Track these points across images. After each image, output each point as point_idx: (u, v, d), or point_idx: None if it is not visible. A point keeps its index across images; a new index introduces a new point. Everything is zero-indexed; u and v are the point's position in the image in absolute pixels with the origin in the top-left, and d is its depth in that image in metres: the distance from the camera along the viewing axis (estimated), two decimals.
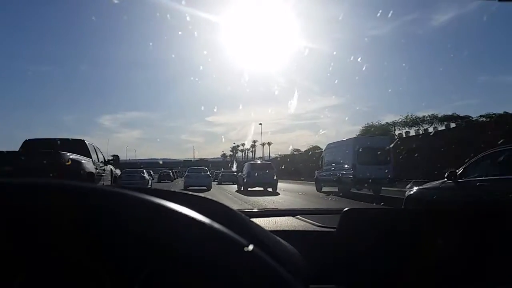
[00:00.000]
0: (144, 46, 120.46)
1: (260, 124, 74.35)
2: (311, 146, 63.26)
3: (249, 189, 20.46)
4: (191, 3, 62.04)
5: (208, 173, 26.02)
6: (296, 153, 66.45)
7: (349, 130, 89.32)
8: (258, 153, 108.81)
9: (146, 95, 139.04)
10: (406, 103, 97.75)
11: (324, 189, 20.48)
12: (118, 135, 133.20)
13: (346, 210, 1.10)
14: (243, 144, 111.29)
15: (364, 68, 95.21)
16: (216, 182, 40.87)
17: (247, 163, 23.04)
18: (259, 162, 23.69)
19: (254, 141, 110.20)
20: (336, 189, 18.96)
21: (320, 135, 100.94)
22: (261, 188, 20.65)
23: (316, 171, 22.25)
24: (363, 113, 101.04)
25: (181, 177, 50.96)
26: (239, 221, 0.80)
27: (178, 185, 29.61)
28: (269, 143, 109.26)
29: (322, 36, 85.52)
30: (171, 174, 47.13)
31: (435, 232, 1.06)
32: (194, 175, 25.42)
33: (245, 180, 20.70)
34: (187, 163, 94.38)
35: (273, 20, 57.70)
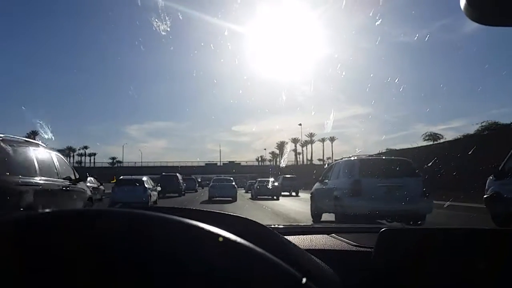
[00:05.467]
0: (171, 57, 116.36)
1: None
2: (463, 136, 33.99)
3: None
4: (217, 15, 58.43)
5: (234, 183, 24.84)
6: (405, 147, 37.13)
7: (377, 140, 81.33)
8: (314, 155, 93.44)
9: (172, 105, 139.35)
10: (436, 112, 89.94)
11: None
12: (144, 144, 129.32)
13: (384, 230, 1.04)
14: (295, 140, 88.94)
15: (391, 76, 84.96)
16: (250, 196, 29.78)
17: (346, 160, 10.04)
18: (379, 158, 11.40)
19: (311, 134, 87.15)
20: None
21: (347, 145, 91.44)
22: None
23: (492, 180, 9.61)
24: (391, 123, 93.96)
25: (193, 190, 37.94)
26: (273, 240, 0.80)
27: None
28: (331, 138, 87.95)
29: (349, 45, 78.27)
30: (137, 186, 17.11)
31: (480, 254, 0.99)
32: (219, 186, 24.08)
33: (345, 202, 8.58)
34: (210, 168, 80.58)
35: (299, 29, 52.30)
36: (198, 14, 48.69)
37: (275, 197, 26.48)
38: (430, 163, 8.43)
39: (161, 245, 0.45)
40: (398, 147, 41.41)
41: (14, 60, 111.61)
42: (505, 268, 0.96)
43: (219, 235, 0.47)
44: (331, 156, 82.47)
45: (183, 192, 30.63)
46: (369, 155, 10.48)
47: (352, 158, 9.49)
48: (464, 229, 1.29)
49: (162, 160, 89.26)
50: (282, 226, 1.68)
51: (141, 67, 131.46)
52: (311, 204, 11.33)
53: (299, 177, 35.30)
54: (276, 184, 28.20)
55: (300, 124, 61.63)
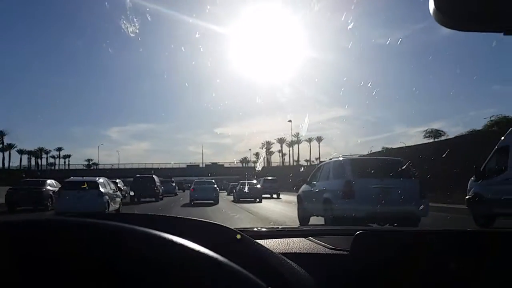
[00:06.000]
0: (152, 59, 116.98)
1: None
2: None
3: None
4: (199, 15, 58.98)
5: (215, 186, 23.99)
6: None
7: (358, 141, 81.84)
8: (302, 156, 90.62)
9: (154, 107, 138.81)
10: (416, 113, 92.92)
11: None
12: (126, 147, 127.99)
13: (359, 233, 1.06)
14: (281, 140, 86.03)
15: (372, 78, 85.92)
16: (232, 198, 29.14)
17: (336, 160, 9.15)
18: (372, 158, 10.72)
19: (297, 134, 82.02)
20: None
21: (329, 147, 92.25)
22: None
23: (473, 181, 9.59)
24: (371, 124, 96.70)
25: (172, 194, 34.30)
26: (244, 245, 0.78)
27: None
28: (319, 138, 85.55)
29: (329, 46, 78.77)
30: (90, 190, 13.72)
31: (454, 255, 1.01)
32: (200, 188, 23.41)
33: (335, 204, 7.89)
34: (192, 170, 74.76)
35: (280, 31, 54.12)
36: (179, 15, 48.03)
37: (257, 200, 25.95)
38: (404, 166, 7.84)
39: (106, 255, 0.43)
40: (379, 148, 40.86)
41: None
42: (486, 270, 0.96)
43: (176, 243, 0.44)
44: (318, 156, 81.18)
45: (160, 196, 26.99)
46: (361, 155, 10.02)
47: (342, 158, 8.88)
48: (440, 230, 1.30)
49: (143, 162, 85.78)
50: (257, 230, 1.64)
51: (122, 70, 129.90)
52: (298, 207, 10.76)
53: (282, 178, 34.73)
54: (258, 186, 27.65)
55: (290, 121, 56.25)
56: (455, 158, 17.05)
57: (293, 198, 28.34)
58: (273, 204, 22.86)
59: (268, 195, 30.97)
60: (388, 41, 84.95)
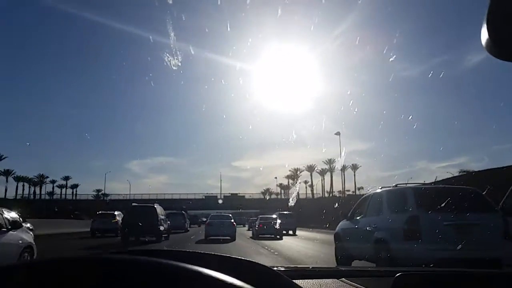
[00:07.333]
0: (172, 93, 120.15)
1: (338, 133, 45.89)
2: None
3: None
4: (219, 52, 59.00)
5: (232, 220, 22.28)
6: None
7: (379, 175, 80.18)
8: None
9: (173, 141, 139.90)
10: (438, 148, 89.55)
11: None
12: (146, 180, 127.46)
13: (399, 275, 0.98)
14: (311, 167, 77.65)
15: (393, 112, 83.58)
16: (251, 234, 27.21)
17: (390, 190, 7.23)
18: (439, 187, 8.70)
19: (330, 160, 74.34)
20: None
21: (349, 181, 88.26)
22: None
23: None
24: (393, 159, 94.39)
25: (182, 230, 30.15)
26: (282, 285, 0.78)
27: None
28: (354, 166, 77.25)
29: (349, 80, 78.81)
30: None
31: None
32: (216, 223, 21.57)
33: (395, 246, 6.01)
34: (209, 202, 70.64)
35: (299, 66, 57.10)
36: (206, 53, 48.44)
37: (278, 236, 24.01)
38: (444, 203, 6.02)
39: None
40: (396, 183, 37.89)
41: (20, 94, 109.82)
42: None
43: (226, 282, 0.44)
44: (355, 187, 74.51)
45: (165, 234, 19.80)
46: (423, 183, 8.29)
47: (403, 187, 7.01)
48: (483, 272, 1.34)
49: (158, 192, 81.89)
50: (290, 269, 1.56)
51: (140, 105, 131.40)
52: (336, 247, 8.90)
53: (312, 212, 32.43)
54: (279, 221, 25.56)
55: (338, 133, 50.15)
56: None
57: (312, 234, 26.30)
58: (295, 242, 20.88)
59: (283, 231, 28.38)
60: (408, 73, 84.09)
